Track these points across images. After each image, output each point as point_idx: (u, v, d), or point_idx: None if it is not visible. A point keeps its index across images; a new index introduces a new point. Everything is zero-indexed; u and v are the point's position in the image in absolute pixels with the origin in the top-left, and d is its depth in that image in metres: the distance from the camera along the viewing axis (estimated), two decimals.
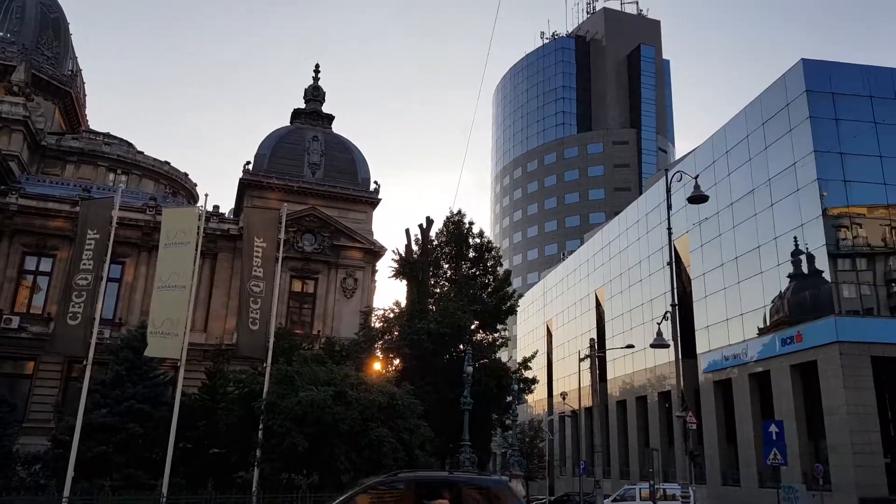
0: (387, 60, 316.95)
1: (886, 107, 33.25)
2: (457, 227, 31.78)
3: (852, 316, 30.60)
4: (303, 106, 40.40)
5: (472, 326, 29.05)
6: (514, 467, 27.91)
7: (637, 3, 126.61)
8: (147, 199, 35.03)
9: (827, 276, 30.99)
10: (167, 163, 45.00)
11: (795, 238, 33.13)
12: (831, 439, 29.71)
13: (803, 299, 33.09)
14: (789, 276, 33.88)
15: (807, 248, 32.45)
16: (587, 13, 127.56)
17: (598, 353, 39.48)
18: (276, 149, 37.21)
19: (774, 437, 22.87)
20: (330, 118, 40.46)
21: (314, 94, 40.74)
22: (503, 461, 43.20)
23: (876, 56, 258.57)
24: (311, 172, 36.84)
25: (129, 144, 44.68)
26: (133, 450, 21.41)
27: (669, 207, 20.07)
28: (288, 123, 40.22)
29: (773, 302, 35.04)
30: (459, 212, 32.36)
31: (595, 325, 57.59)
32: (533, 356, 34.64)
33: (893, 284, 31.54)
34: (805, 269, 32.87)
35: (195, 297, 22.20)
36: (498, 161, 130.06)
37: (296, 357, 21.98)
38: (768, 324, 35.28)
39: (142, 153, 44.09)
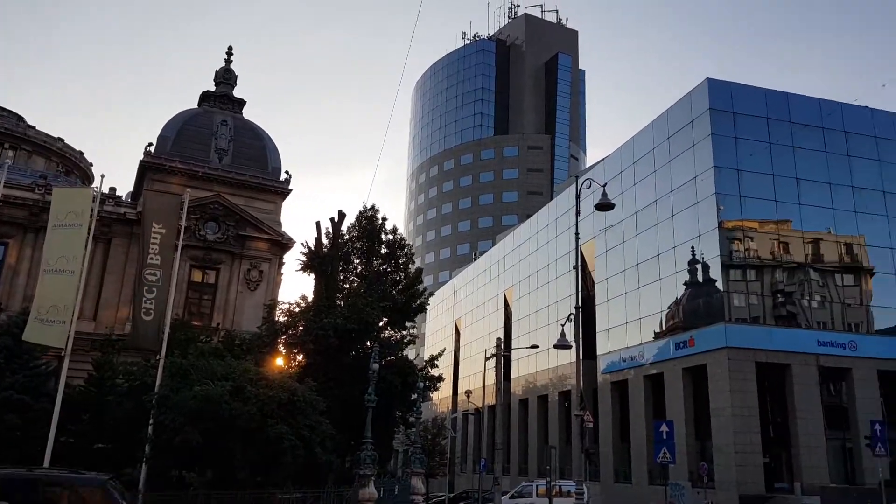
0: (306, 54, 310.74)
1: (781, 128, 35.50)
2: (369, 222, 31.38)
3: (741, 323, 32.46)
4: (213, 89, 38.75)
5: (381, 323, 28.75)
6: (415, 464, 27.87)
7: (557, 11, 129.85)
8: (37, 177, 32.67)
9: (720, 285, 32.73)
10: (60, 139, 42.18)
11: (693, 248, 34.82)
12: (717, 439, 31.40)
13: (697, 306, 34.82)
14: (685, 283, 35.58)
15: (703, 258, 34.17)
16: (508, 18, 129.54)
17: (503, 352, 40.07)
18: (181, 131, 35.54)
19: (665, 437, 23.85)
20: (241, 103, 39.01)
21: (225, 77, 39.15)
22: (405, 458, 43.15)
23: (775, 78, 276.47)
24: (218, 158, 35.44)
25: (20, 118, 41.60)
26: (10, 442, 19.91)
27: (578, 213, 20.64)
28: (196, 106, 38.51)
29: (669, 308, 36.71)
30: (373, 207, 31.97)
31: (503, 325, 58.56)
32: (440, 354, 34.74)
33: (779, 295, 33.72)
34: (700, 277, 34.60)
35: (85, 283, 20.77)
36: (415, 158, 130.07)
37: (192, 350, 21.11)
38: (664, 328, 36.92)
39: (33, 128, 41.12)
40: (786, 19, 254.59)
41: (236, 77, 39.56)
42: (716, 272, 33.06)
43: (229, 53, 39.41)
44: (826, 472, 31.05)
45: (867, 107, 38.16)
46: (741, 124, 35.11)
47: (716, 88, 35.64)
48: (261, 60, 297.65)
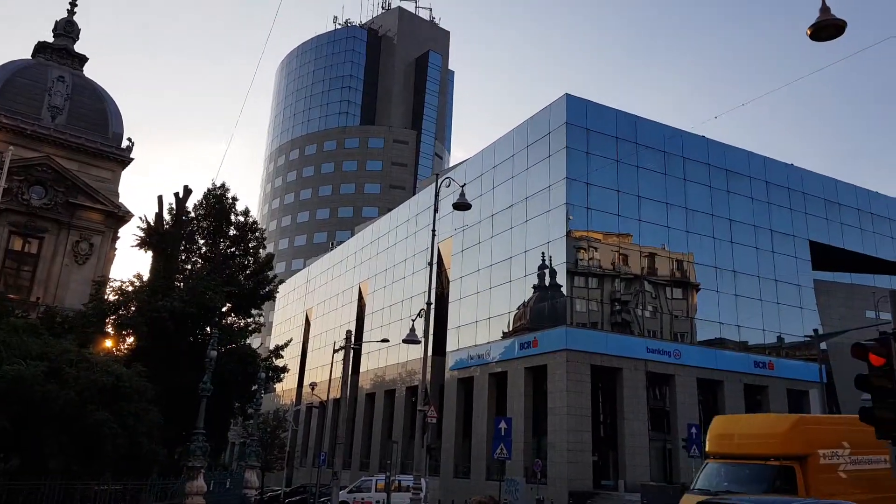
0: (165, 14, 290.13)
1: (628, 148, 37.90)
2: (219, 201, 29.54)
3: (580, 328, 34.27)
4: (50, 40, 34.77)
5: (224, 309, 27.20)
6: (250, 458, 26.68)
7: (430, 9, 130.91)
8: None
9: (564, 290, 34.34)
10: None
11: (543, 253, 36.28)
12: (552, 437, 32.88)
13: (543, 309, 36.33)
14: (534, 287, 37.00)
15: (550, 264, 35.69)
16: (382, 8, 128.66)
17: (354, 345, 39.50)
18: (9, 83, 31.55)
19: (503, 433, 24.43)
20: (82, 59, 35.24)
21: (66, 29, 35.17)
22: (241, 451, 41.32)
23: (630, 96, 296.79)
24: (51, 116, 31.86)
25: None
26: None
27: (436, 210, 20.71)
28: (29, 57, 34.39)
29: (517, 309, 38.01)
30: (223, 185, 30.11)
31: (355, 318, 57.90)
32: (286, 344, 33.60)
33: (616, 304, 36.00)
34: (547, 282, 36.13)
35: None
36: (275, 139, 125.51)
37: (4, 325, 18.72)
38: (511, 328, 38.18)
39: None
40: (647, 42, 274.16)
41: (79, 30, 35.72)
42: (561, 278, 34.64)
43: (73, 4, 35.55)
44: (647, 470, 33.50)
45: (703, 136, 41.75)
46: (593, 140, 37.08)
47: (573, 104, 37.36)
48: (110, 15, 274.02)
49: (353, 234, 72.66)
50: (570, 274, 34.51)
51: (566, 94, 37.56)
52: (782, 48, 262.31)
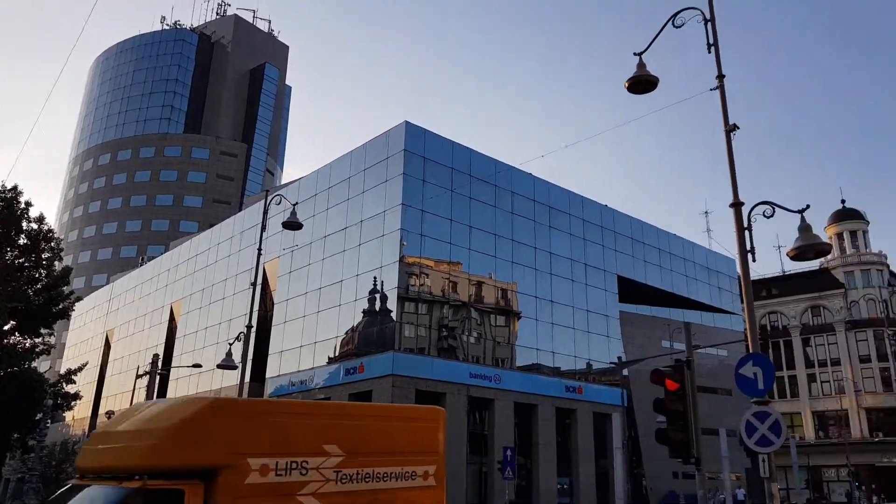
0: None
1: (462, 179, 38.91)
2: (8, 205, 25.93)
3: (408, 353, 34.17)
4: None
5: (7, 327, 23.68)
6: (27, 495, 23.25)
7: (270, 21, 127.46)
8: None
9: (394, 315, 34.14)
10: None
11: (374, 278, 35.89)
12: None
13: (371, 334, 35.83)
14: (363, 311, 36.42)
15: (382, 289, 35.39)
16: (217, 14, 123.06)
17: (161, 370, 36.27)
18: None
19: None
20: None
21: None
22: (16, 488, 36.04)
23: (469, 127, 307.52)
24: None
25: None
26: None
27: (264, 229, 19.71)
28: None
29: (346, 334, 37.16)
30: (15, 188, 26.51)
31: (164, 341, 53.48)
32: (80, 368, 30.12)
33: (444, 329, 36.45)
34: (377, 307, 35.74)
35: None
36: (82, 140, 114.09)
37: None
38: (338, 354, 37.21)
39: None
40: (488, 76, 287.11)
41: None
42: (392, 303, 34.44)
43: None
44: (464, 494, 33.96)
45: (530, 173, 44.16)
46: (430, 169, 37.63)
47: (412, 132, 37.73)
48: None
49: (167, 250, 67.43)
50: (401, 299, 34.43)
51: (405, 121, 37.86)
52: (612, 94, 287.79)
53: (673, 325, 47.61)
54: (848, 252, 67.32)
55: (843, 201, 72.87)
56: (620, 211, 50.87)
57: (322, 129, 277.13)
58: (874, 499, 48.66)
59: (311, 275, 40.53)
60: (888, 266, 67.45)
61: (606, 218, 48.89)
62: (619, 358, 42.67)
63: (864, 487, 53.83)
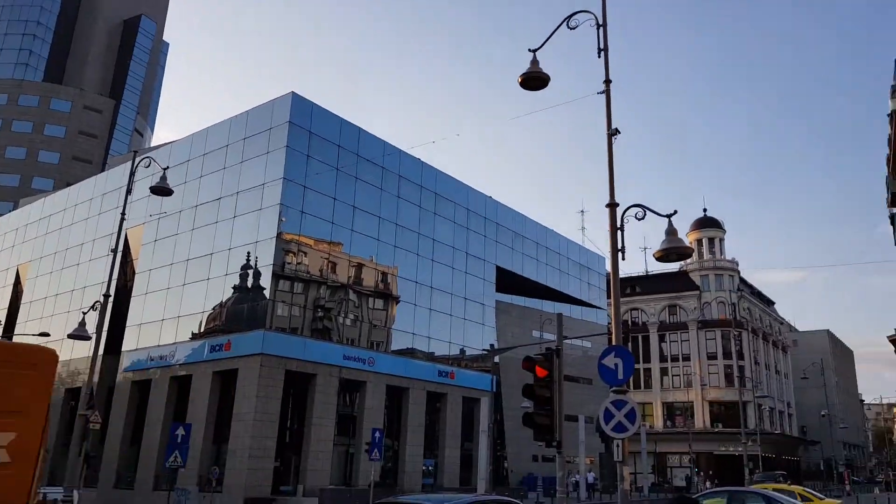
0: None
1: (348, 158, 38.08)
2: None
3: (280, 332, 33.13)
4: None
5: None
6: None
7: None
8: None
9: (267, 293, 32.95)
10: None
11: (248, 253, 34.44)
12: (233, 444, 31.11)
13: (242, 311, 34.41)
14: (234, 287, 34.89)
15: (256, 265, 34.03)
16: None
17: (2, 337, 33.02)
18: None
19: (180, 440, 22.72)
20: None
21: None
22: None
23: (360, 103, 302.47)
24: None
25: None
26: None
27: (129, 192, 18.34)
28: None
29: (214, 309, 35.46)
30: None
31: (7, 306, 48.80)
32: None
33: (319, 310, 35.66)
34: (250, 283, 34.35)
35: None
36: None
37: None
38: (203, 330, 35.46)
39: None
40: (387, 56, 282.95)
41: None
42: (266, 280, 33.22)
43: None
44: (328, 474, 33.59)
45: (419, 159, 44.01)
46: (315, 144, 36.51)
47: (299, 104, 36.41)
48: None
49: (16, 207, 61.42)
50: (276, 277, 33.28)
51: (293, 92, 36.46)
52: (510, 87, 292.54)
53: (544, 316, 49.51)
54: (705, 257, 72.79)
55: (704, 210, 78.76)
56: (504, 203, 52.05)
57: (200, 93, 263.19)
58: (708, 483, 53.12)
59: (179, 245, 38.31)
60: (738, 272, 73.64)
61: (490, 209, 49.80)
62: (492, 345, 43.74)
63: (701, 473, 58.68)
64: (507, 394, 45.25)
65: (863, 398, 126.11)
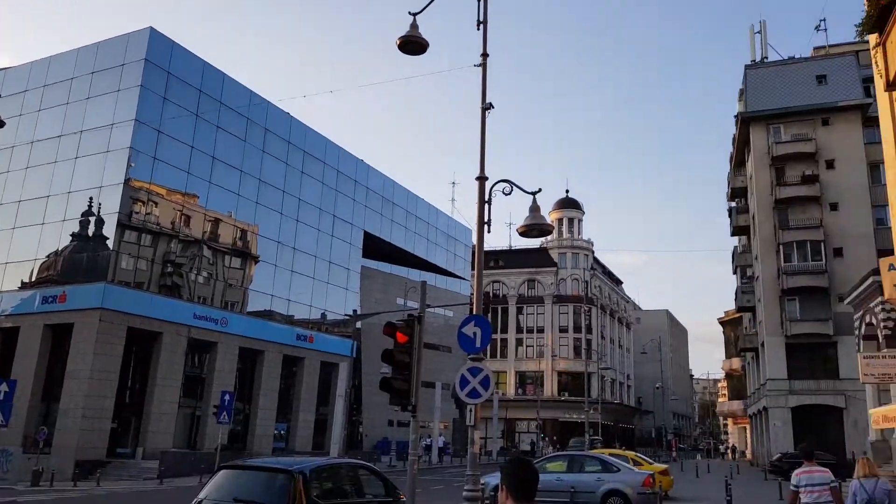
0: None
1: (210, 105, 35.70)
2: None
3: (123, 286, 30.76)
4: None
5: None
6: None
7: None
8: None
9: (111, 243, 30.43)
10: None
11: (91, 199, 31.57)
12: (66, 403, 28.82)
13: (79, 261, 31.60)
14: (73, 234, 31.92)
15: (99, 212, 31.27)
16: None
17: None
18: None
19: (2, 397, 20.75)
20: None
21: None
22: None
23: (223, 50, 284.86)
24: None
25: None
26: None
27: None
28: None
29: (48, 257, 32.32)
30: None
31: None
32: None
33: (169, 265, 33.44)
34: (91, 231, 31.55)
35: None
36: None
37: None
38: (34, 279, 32.28)
39: None
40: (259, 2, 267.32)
41: None
42: (109, 230, 30.62)
43: None
44: (171, 437, 32.00)
45: (288, 113, 42.16)
46: (173, 87, 33.88)
47: (157, 41, 33.53)
48: None
49: None
50: (122, 227, 30.73)
51: (150, 27, 33.46)
52: (389, 49, 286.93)
53: (409, 284, 49.72)
54: (564, 236, 76.26)
55: (567, 191, 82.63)
56: (375, 168, 51.35)
57: (51, 21, 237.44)
58: (551, 448, 56.36)
59: (10, 184, 34.45)
60: (593, 252, 77.89)
61: (361, 172, 48.94)
62: (355, 311, 43.33)
63: (546, 438, 62.05)
64: (366, 359, 45.17)
65: (692, 374, 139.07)
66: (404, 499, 9.88)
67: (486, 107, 11.57)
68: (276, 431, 39.20)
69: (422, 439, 43.69)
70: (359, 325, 43.49)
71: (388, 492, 10.33)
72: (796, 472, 8.84)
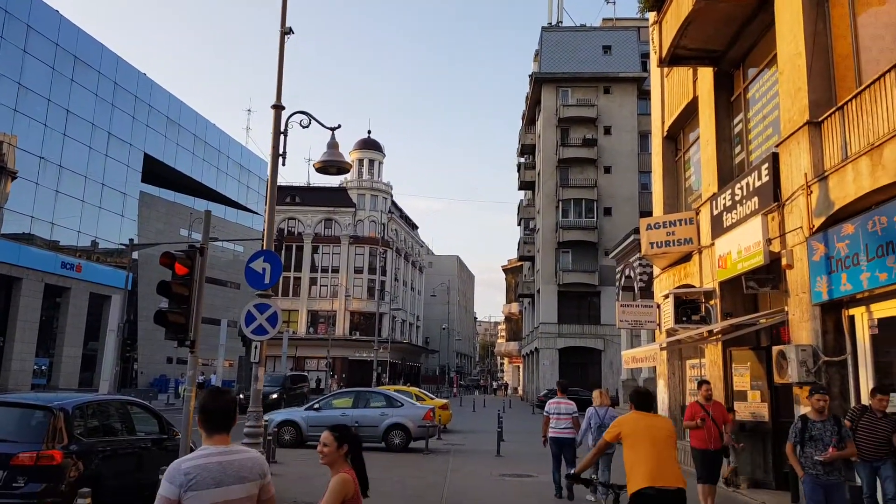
0: None
1: None
2: None
3: None
4: None
5: None
6: None
7: None
8: None
9: None
10: None
11: None
12: None
13: None
14: None
15: None
16: None
17: None
18: None
19: None
20: None
21: None
22: None
23: None
24: None
25: None
26: None
27: None
28: None
29: None
30: None
31: None
32: None
33: None
34: None
35: None
36: None
37: None
38: None
39: None
40: None
41: None
42: None
43: None
44: None
45: (57, 11, 36.64)
46: None
47: None
48: None
49: None
50: None
51: None
52: None
53: (195, 214, 46.62)
54: (364, 177, 76.17)
55: (369, 132, 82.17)
56: (160, 84, 46.79)
57: None
58: (335, 386, 57.24)
59: None
60: (391, 195, 78.87)
61: (143, 88, 44.34)
62: (132, 240, 39.72)
63: (335, 376, 62.90)
64: (144, 293, 42.02)
65: (476, 316, 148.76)
66: (180, 436, 9.45)
67: (286, 31, 11.27)
68: (36, 367, 35.44)
69: (201, 377, 41.96)
70: (136, 256, 40.13)
71: (162, 429, 9.90)
72: (549, 401, 11.19)
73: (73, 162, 37.60)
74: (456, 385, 74.70)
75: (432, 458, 15.69)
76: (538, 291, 50.06)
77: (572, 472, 5.18)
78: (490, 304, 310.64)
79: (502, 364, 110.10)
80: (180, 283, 7.84)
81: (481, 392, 77.32)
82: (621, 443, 4.97)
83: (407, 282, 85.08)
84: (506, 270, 78.65)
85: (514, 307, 70.86)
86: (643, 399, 5.30)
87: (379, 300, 65.62)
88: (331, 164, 11.40)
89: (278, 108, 10.97)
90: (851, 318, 8.89)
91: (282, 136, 10.89)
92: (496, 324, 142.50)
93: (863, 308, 8.65)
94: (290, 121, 11.05)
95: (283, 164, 10.98)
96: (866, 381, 8.44)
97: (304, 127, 11.29)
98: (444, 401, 26.19)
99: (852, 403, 8.50)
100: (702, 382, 9.86)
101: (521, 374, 71.91)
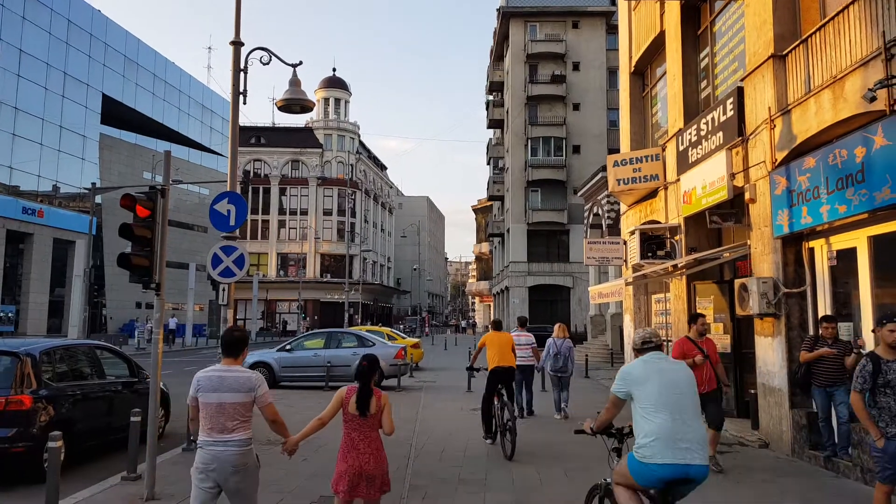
0: None
1: None
2: None
3: None
4: None
5: None
6: None
7: None
8: None
9: None
10: None
11: None
12: None
13: None
14: None
15: None
16: None
17: None
18: None
19: None
20: None
21: None
22: None
23: None
24: None
25: None
26: None
27: None
28: None
29: None
30: None
31: None
32: None
33: None
34: None
35: None
36: None
37: None
38: None
39: None
40: None
41: None
42: None
43: None
44: None
45: None
46: None
47: None
48: None
49: None
50: None
51: None
52: None
53: (158, 156, 45.51)
54: (330, 117, 74.65)
55: (334, 69, 79.95)
56: (116, 21, 44.80)
57: None
58: (304, 329, 57.52)
59: None
60: (359, 136, 77.62)
61: (98, 25, 42.41)
62: (94, 184, 38.72)
63: (307, 318, 63.17)
64: (109, 238, 41.28)
65: (447, 256, 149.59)
66: (150, 379, 9.48)
67: None
68: (2, 314, 34.92)
69: (171, 320, 41.78)
70: (100, 200, 39.22)
71: (132, 372, 9.94)
72: (511, 333, 11.79)
73: (30, 104, 36.18)
74: (427, 324, 75.58)
75: (404, 395, 15.99)
76: (508, 231, 50.32)
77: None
78: (461, 244, 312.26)
79: (474, 303, 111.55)
80: (142, 226, 7.68)
81: (453, 331, 78.42)
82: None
83: (377, 223, 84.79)
84: (476, 210, 78.69)
85: (485, 247, 71.27)
86: (497, 325, 10.95)
87: (349, 242, 65.38)
88: (294, 102, 11.16)
89: (237, 44, 10.62)
90: (811, 251, 9.12)
91: (242, 74, 10.58)
92: (467, 264, 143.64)
93: (822, 240, 8.87)
94: (249, 58, 10.74)
95: (245, 103, 10.71)
96: (825, 311, 8.72)
97: (264, 64, 11.01)
98: (416, 340, 26.53)
99: (810, 333, 8.81)
100: (696, 316, 8.53)
101: (491, 312, 72.97)
